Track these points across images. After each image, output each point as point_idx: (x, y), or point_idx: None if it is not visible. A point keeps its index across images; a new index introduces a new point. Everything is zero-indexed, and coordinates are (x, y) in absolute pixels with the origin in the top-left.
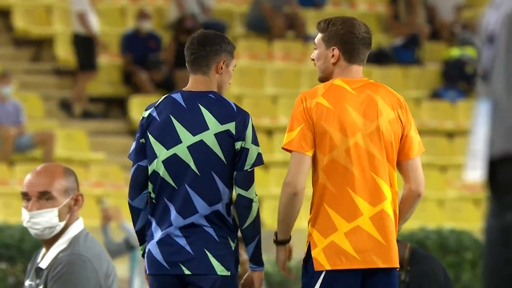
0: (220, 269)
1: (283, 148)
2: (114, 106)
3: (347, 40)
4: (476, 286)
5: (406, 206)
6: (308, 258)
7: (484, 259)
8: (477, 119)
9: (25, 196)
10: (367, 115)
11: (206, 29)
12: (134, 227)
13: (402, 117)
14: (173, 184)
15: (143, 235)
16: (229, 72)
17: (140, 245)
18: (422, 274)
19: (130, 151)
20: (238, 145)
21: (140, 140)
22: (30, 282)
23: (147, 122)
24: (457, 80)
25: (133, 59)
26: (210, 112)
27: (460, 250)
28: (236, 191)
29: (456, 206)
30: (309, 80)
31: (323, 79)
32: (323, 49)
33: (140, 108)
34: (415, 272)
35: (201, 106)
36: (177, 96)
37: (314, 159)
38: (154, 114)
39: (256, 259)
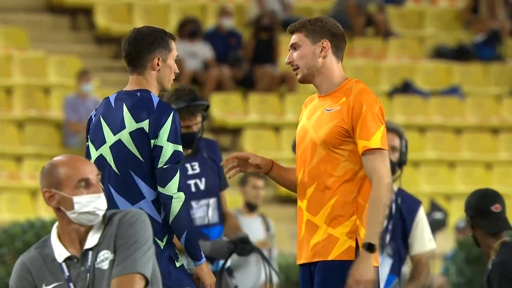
0: None
1: (368, 149)
2: None
3: (335, 32)
4: None
5: None
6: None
7: None
8: None
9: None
10: None
11: (285, 26)
12: None
13: None
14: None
15: None
16: (169, 66)
17: None
18: (503, 264)
19: None
20: (152, 143)
21: (87, 143)
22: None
23: (88, 125)
24: None
25: (214, 56)
26: (129, 111)
27: None
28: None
29: None
30: (388, 77)
31: (307, 77)
32: (309, 46)
33: (220, 105)
34: (497, 261)
35: (124, 106)
36: (112, 96)
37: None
38: (93, 116)
39: (191, 254)
